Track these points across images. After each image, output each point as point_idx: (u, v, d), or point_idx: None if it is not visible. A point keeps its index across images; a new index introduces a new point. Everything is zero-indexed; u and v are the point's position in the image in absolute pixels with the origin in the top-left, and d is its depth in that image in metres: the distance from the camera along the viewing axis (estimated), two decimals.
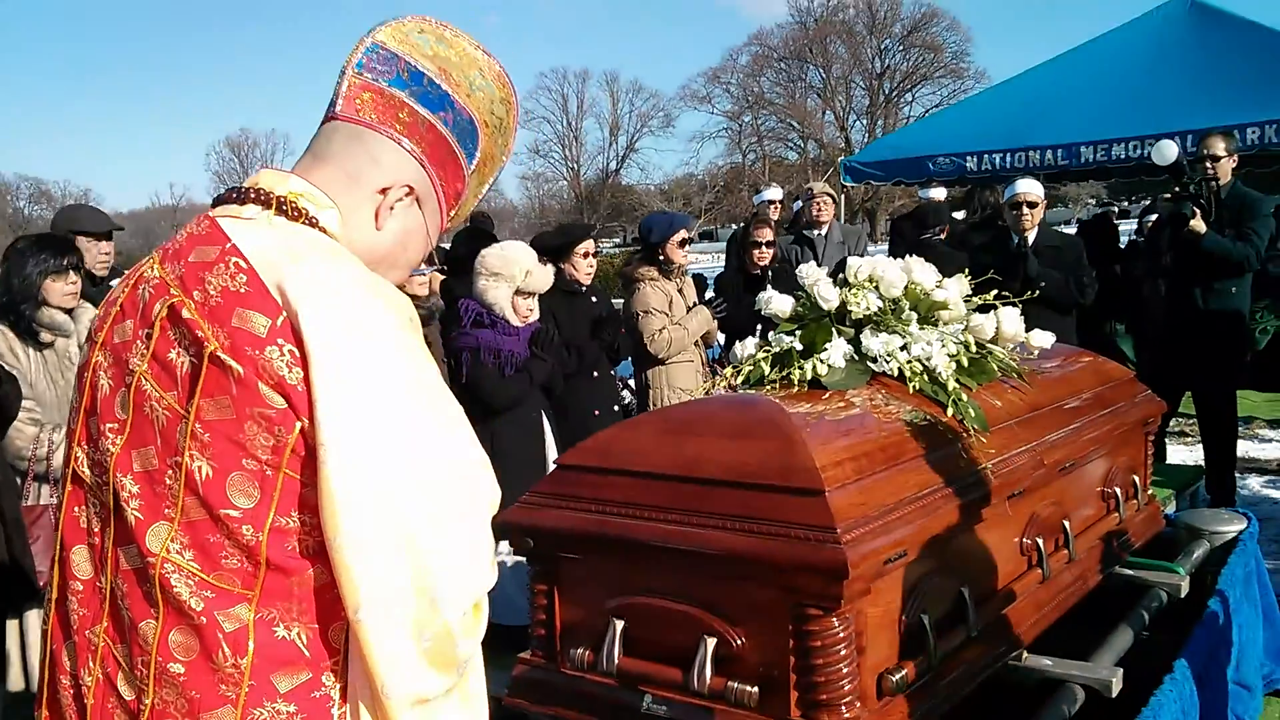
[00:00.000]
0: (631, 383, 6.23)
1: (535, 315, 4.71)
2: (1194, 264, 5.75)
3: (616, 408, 5.36)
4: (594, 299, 5.41)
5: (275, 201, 1.45)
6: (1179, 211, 5.68)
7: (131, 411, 1.39)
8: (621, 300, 5.89)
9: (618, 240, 46.18)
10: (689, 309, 5.73)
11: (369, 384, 1.31)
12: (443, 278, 5.34)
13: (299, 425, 1.30)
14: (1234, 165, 5.92)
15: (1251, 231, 5.69)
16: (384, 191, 1.52)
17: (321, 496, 1.28)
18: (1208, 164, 5.80)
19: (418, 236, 1.58)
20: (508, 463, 4.46)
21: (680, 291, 5.74)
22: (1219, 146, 5.82)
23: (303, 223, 1.45)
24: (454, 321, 4.66)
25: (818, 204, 7.68)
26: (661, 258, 5.68)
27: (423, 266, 4.63)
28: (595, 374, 5.24)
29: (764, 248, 6.49)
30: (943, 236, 7.42)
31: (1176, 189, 5.80)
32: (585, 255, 5.33)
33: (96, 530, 1.42)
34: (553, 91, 55.91)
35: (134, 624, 1.37)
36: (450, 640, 1.32)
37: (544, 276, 4.71)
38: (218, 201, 1.50)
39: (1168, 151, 5.65)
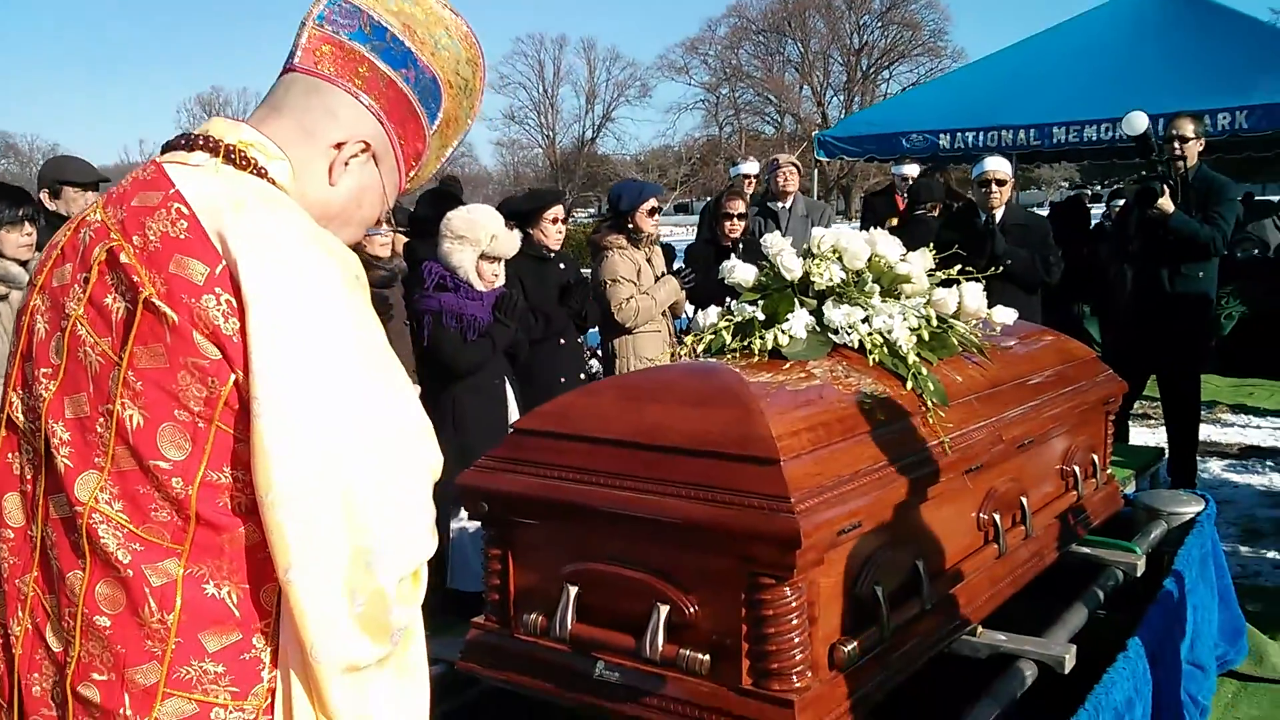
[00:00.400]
0: (600, 351, 6.21)
1: (500, 280, 4.67)
2: (1161, 247, 5.76)
3: (583, 375, 5.34)
4: (562, 265, 5.38)
5: (224, 149, 1.42)
6: (1147, 187, 5.68)
7: (65, 357, 1.36)
8: (590, 268, 5.86)
9: (592, 210, 45.99)
10: (657, 278, 5.71)
11: (306, 337, 1.28)
12: (406, 239, 5.28)
13: (233, 378, 1.27)
14: (1201, 149, 5.93)
15: (1218, 215, 5.70)
16: (339, 146, 1.48)
17: (254, 451, 1.26)
18: (1175, 145, 5.80)
19: (373, 194, 1.55)
20: (469, 428, 4.45)
21: (649, 261, 5.71)
22: (1187, 128, 5.82)
23: (251, 172, 1.41)
24: (417, 284, 4.61)
25: (782, 174, 7.65)
26: (630, 226, 5.64)
27: (384, 227, 4.57)
28: (562, 341, 5.21)
29: (735, 220, 6.48)
30: (935, 213, 7.44)
31: (1144, 170, 5.81)
32: (554, 221, 5.28)
33: (29, 478, 1.39)
34: (529, 57, 55.56)
35: (62, 574, 1.34)
36: (384, 605, 1.30)
37: (510, 241, 4.67)
38: (167, 148, 1.47)
39: (1137, 121, 5.63)
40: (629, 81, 54.87)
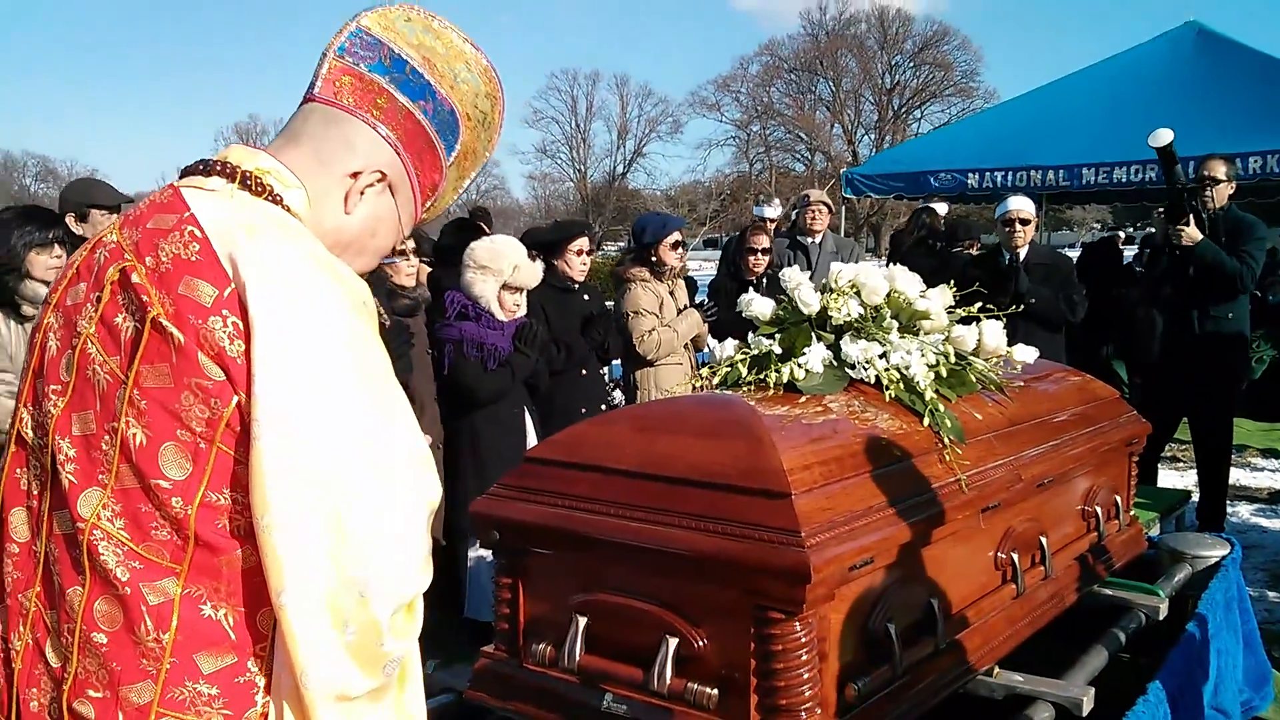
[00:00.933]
0: (623, 383, 6.20)
1: (522, 311, 4.69)
2: (1191, 287, 5.71)
3: (604, 407, 5.33)
4: (586, 297, 5.39)
5: (240, 176, 1.44)
6: (1175, 203, 5.60)
7: (75, 374, 1.37)
8: (614, 300, 5.87)
9: (622, 244, 46.15)
10: (680, 311, 5.71)
11: (309, 362, 1.28)
12: (429, 269, 5.31)
13: (236, 399, 1.28)
14: (1231, 192, 5.89)
15: (1246, 253, 5.63)
16: (355, 175, 1.50)
17: (251, 474, 1.26)
18: (1206, 186, 5.75)
19: (388, 224, 1.57)
20: (487, 457, 4.45)
21: (671, 294, 5.72)
22: (1219, 170, 5.78)
23: (266, 199, 1.43)
24: (439, 313, 4.63)
25: (812, 212, 7.66)
26: (654, 259, 5.65)
27: (410, 258, 4.59)
28: (584, 372, 5.22)
29: (759, 255, 6.48)
30: (973, 251, 7.42)
31: (1175, 192, 5.72)
32: (579, 253, 5.30)
33: (35, 493, 1.41)
34: (562, 92, 55.98)
35: (62, 590, 1.35)
36: (376, 635, 1.30)
37: (532, 272, 4.68)
38: (185, 173, 1.49)
39: (1162, 135, 5.54)
40: (661, 117, 55.22)
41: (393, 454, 1.32)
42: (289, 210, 1.45)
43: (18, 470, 1.44)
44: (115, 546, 1.31)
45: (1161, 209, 5.89)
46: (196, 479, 1.30)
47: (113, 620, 1.32)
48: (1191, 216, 5.62)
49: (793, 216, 8.51)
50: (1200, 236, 5.63)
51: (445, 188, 1.64)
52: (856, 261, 7.46)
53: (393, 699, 1.40)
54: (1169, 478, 7.67)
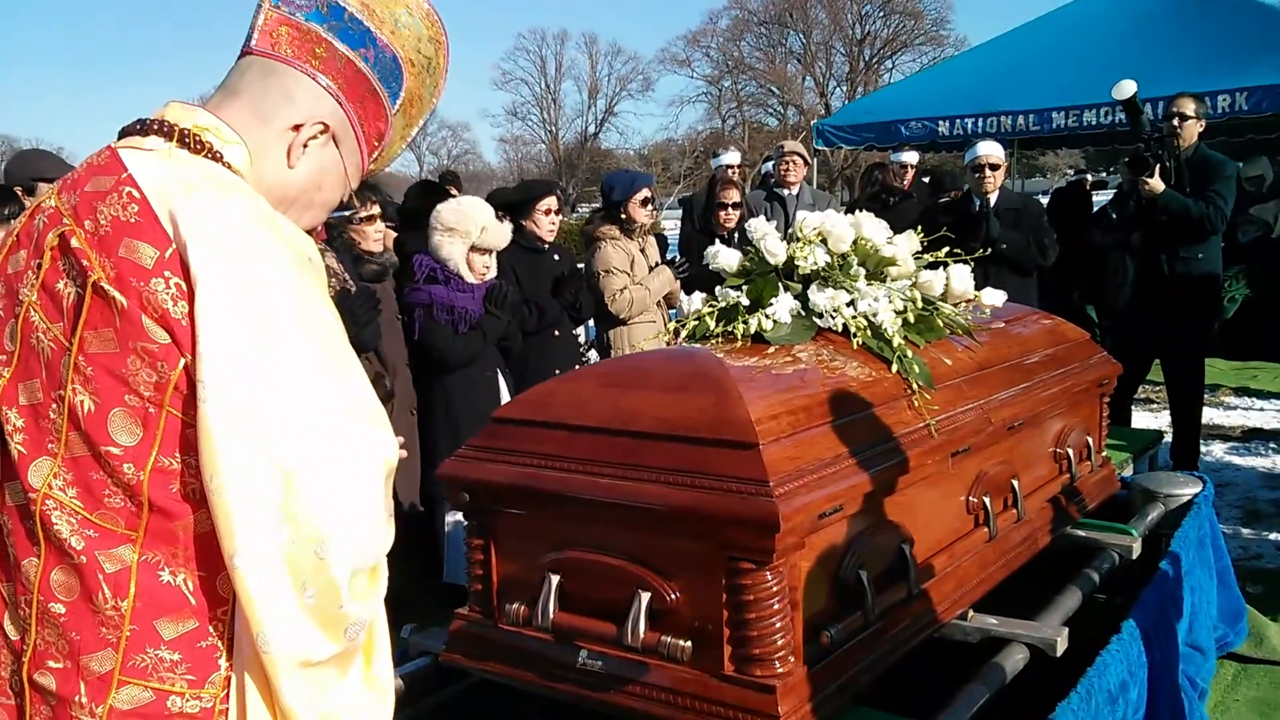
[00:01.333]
0: (596, 343, 6.18)
1: (492, 273, 4.64)
2: (1159, 230, 5.70)
3: (578, 367, 5.31)
4: (556, 257, 5.35)
5: (178, 134, 1.40)
6: (1139, 155, 5.60)
7: (19, 343, 1.35)
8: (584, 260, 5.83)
9: (595, 205, 45.86)
10: (651, 269, 5.68)
11: (252, 320, 1.26)
12: (394, 233, 5.25)
13: (182, 362, 1.26)
14: (1201, 130, 5.87)
15: (1214, 194, 5.60)
16: (297, 128, 1.47)
17: (200, 435, 1.24)
18: (1175, 123, 5.73)
19: (333, 176, 1.53)
20: (461, 421, 4.43)
21: (643, 251, 5.68)
22: (1188, 107, 5.75)
23: (205, 156, 1.40)
24: (407, 277, 4.59)
25: (787, 162, 7.61)
26: (624, 216, 5.61)
27: (378, 221, 4.54)
28: (556, 333, 5.19)
29: (730, 209, 6.45)
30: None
31: (1139, 144, 5.73)
32: (548, 212, 5.24)
33: None
34: (531, 53, 55.55)
35: (18, 562, 1.33)
36: (336, 597, 1.28)
37: (501, 233, 4.63)
38: (123, 133, 1.45)
39: (1126, 87, 5.58)
40: (631, 75, 54.86)
41: (344, 408, 1.30)
42: (230, 167, 1.41)
43: None
44: (69, 516, 1.30)
45: (1127, 159, 5.88)
46: (147, 444, 1.28)
47: (70, 590, 1.30)
48: (1157, 167, 5.60)
49: (762, 172, 8.46)
50: (1163, 188, 5.61)
51: (392, 136, 1.60)
52: None
53: (359, 671, 1.39)
54: (1142, 419, 7.72)
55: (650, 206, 5.75)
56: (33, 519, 1.31)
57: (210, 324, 1.24)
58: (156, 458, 1.28)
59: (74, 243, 1.31)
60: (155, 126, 1.41)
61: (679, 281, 5.77)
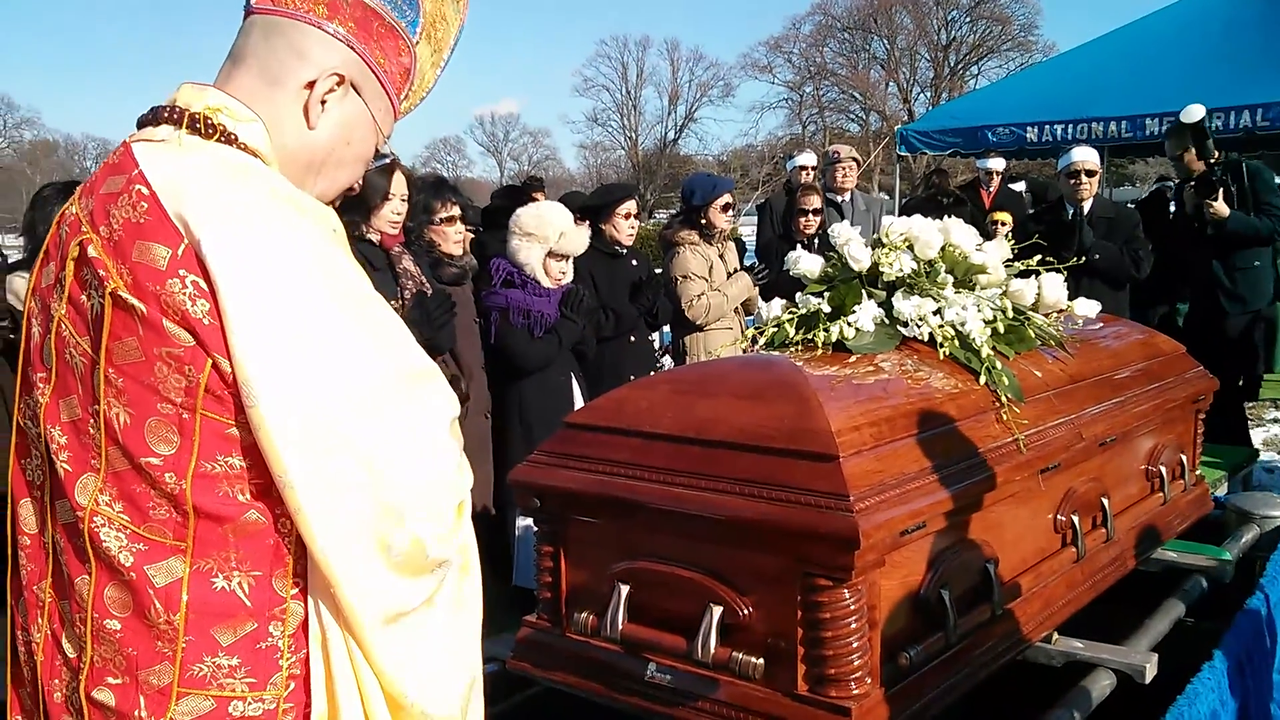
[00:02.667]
0: (672, 348, 6.14)
1: (569, 278, 4.62)
2: (1221, 247, 5.82)
3: (653, 373, 5.27)
4: (634, 262, 5.32)
5: (188, 119, 1.34)
6: (1207, 178, 5.71)
7: (55, 360, 1.32)
8: (662, 265, 5.79)
9: (674, 211, 45.81)
10: (730, 275, 5.62)
11: (286, 308, 1.22)
12: (474, 236, 5.26)
13: (209, 363, 1.22)
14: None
15: (1270, 205, 5.76)
16: (311, 85, 1.39)
17: (259, 437, 1.21)
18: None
19: (362, 127, 1.46)
20: (534, 425, 4.42)
21: (721, 257, 5.63)
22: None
23: (218, 139, 1.34)
24: (485, 280, 4.59)
25: (843, 168, 7.54)
26: (703, 221, 5.56)
27: (458, 223, 4.54)
28: (632, 338, 5.16)
29: (811, 215, 6.37)
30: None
31: (1203, 169, 5.77)
32: (627, 216, 5.22)
33: (39, 483, 1.37)
34: (612, 59, 55.65)
35: (70, 580, 1.31)
36: (420, 550, 1.27)
37: (579, 239, 4.61)
38: (140, 124, 1.40)
39: (1194, 111, 5.70)
40: (712, 81, 54.71)
41: (389, 374, 1.27)
42: (245, 147, 1.35)
43: (22, 460, 1.40)
44: (118, 531, 1.27)
45: (1193, 182, 5.91)
46: (186, 451, 1.24)
47: (124, 606, 1.28)
48: (1220, 190, 5.60)
49: (822, 174, 8.41)
50: (1228, 212, 5.70)
51: (421, 67, 1.52)
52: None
53: (452, 590, 1.37)
54: None
55: (730, 212, 5.70)
56: (82, 537, 1.29)
57: (242, 320, 1.20)
58: (197, 463, 1.25)
59: (91, 251, 1.27)
60: (166, 114, 1.36)
61: (757, 288, 5.70)
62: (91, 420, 1.28)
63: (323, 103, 1.40)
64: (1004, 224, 7.11)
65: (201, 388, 1.23)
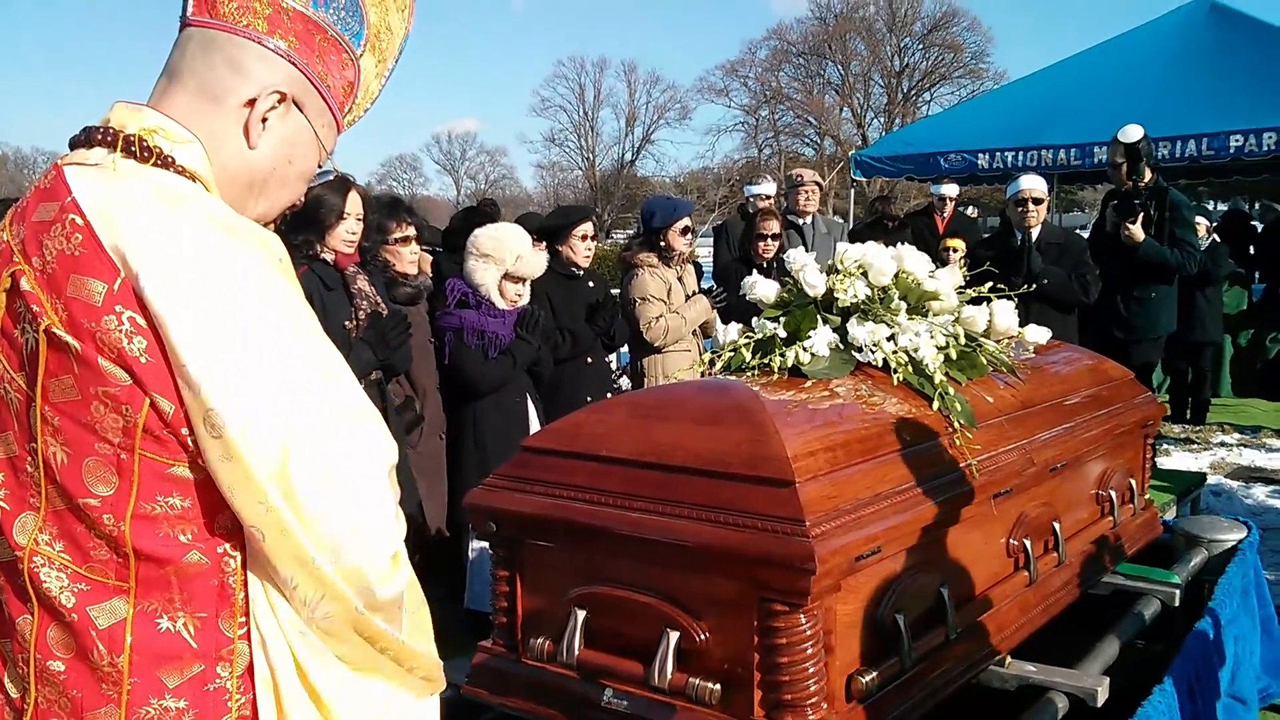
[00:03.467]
0: (630, 370, 6.13)
1: (524, 300, 4.61)
2: (1131, 271, 5.99)
3: (610, 395, 5.27)
4: (591, 283, 5.31)
5: (122, 141, 1.29)
6: (1129, 200, 5.93)
7: None
8: (620, 286, 5.80)
9: (631, 232, 45.85)
10: (688, 297, 5.63)
11: (238, 336, 1.18)
12: (431, 257, 5.24)
13: (147, 402, 1.18)
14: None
15: (1185, 242, 6.03)
16: (251, 104, 1.34)
17: (223, 468, 1.18)
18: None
19: (304, 145, 1.41)
20: (489, 447, 4.39)
21: (680, 280, 5.64)
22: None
23: (154, 163, 1.28)
24: (440, 300, 4.57)
25: (805, 191, 7.59)
26: (662, 244, 5.57)
27: (413, 244, 4.52)
28: (589, 360, 5.15)
29: (769, 240, 6.40)
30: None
31: (1126, 188, 5.94)
32: (584, 238, 5.22)
33: None
34: (570, 80, 55.71)
35: (11, 619, 1.27)
36: (360, 594, 1.26)
37: (536, 262, 4.61)
38: (72, 144, 1.34)
39: (1133, 132, 5.89)
40: (669, 104, 54.89)
41: (339, 409, 1.24)
42: (183, 171, 1.30)
43: None
44: (58, 571, 1.23)
45: (1115, 200, 6.18)
46: (124, 493, 1.21)
47: (67, 647, 1.24)
48: (1140, 215, 5.79)
49: (783, 197, 8.50)
50: (1143, 237, 5.96)
51: (365, 78, 1.47)
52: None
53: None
54: (1183, 459, 7.58)
55: (689, 235, 5.72)
56: (21, 576, 1.25)
57: (196, 355, 1.16)
58: (136, 504, 1.21)
59: (24, 284, 1.22)
60: (100, 135, 1.30)
61: (715, 311, 5.72)
62: (29, 459, 1.24)
63: (264, 121, 1.35)
64: (956, 250, 7.18)
65: (139, 428, 1.19)
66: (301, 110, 1.39)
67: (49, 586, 1.23)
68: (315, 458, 1.20)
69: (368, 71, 1.47)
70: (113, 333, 1.18)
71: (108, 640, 1.23)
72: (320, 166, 1.47)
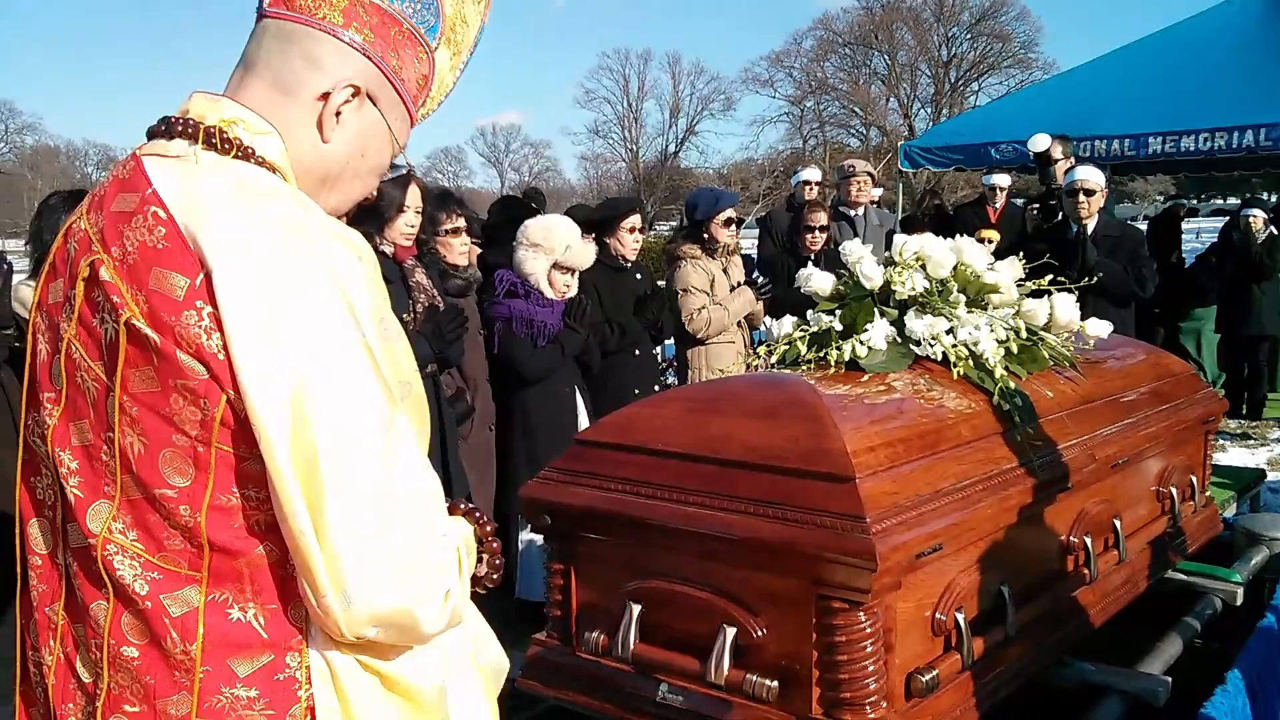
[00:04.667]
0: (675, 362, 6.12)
1: (573, 291, 4.61)
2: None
3: (657, 388, 5.26)
4: (638, 276, 5.30)
5: (204, 133, 1.28)
6: (1049, 204, 5.94)
7: (65, 382, 1.28)
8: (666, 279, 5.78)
9: (674, 223, 45.79)
10: (733, 289, 5.60)
11: (293, 351, 1.17)
12: (478, 249, 5.24)
13: (224, 397, 1.17)
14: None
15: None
16: (325, 97, 1.33)
17: (270, 479, 1.18)
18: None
19: (378, 139, 1.40)
20: (536, 436, 4.40)
21: (725, 271, 5.61)
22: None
23: (235, 155, 1.28)
24: (488, 291, 4.58)
25: (857, 182, 7.52)
26: (706, 236, 5.54)
27: (464, 237, 4.52)
28: (637, 352, 5.14)
29: (817, 232, 6.35)
30: None
31: (1044, 199, 5.98)
32: (631, 230, 5.21)
33: (50, 504, 1.33)
34: (614, 72, 55.77)
35: (85, 605, 1.28)
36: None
37: (585, 253, 4.60)
38: (150, 134, 1.34)
39: (1040, 141, 6.05)
40: (713, 95, 54.74)
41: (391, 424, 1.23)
42: (263, 162, 1.30)
43: (31, 479, 1.36)
44: (131, 560, 1.24)
45: (1037, 206, 6.32)
46: (201, 484, 1.21)
47: (141, 633, 1.25)
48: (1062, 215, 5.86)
49: (834, 188, 8.42)
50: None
51: (439, 71, 1.46)
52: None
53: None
54: (1240, 455, 7.46)
55: (732, 226, 5.68)
56: (96, 563, 1.25)
57: (247, 364, 1.16)
58: (212, 496, 1.21)
59: (104, 274, 1.22)
60: (180, 127, 1.30)
61: (761, 302, 5.69)
62: (105, 447, 1.24)
63: (337, 114, 1.35)
64: (991, 242, 7.11)
65: (217, 421, 1.19)
66: (375, 104, 1.38)
67: (122, 574, 1.24)
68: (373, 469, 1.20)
69: (442, 64, 1.46)
70: (192, 328, 1.17)
71: (181, 628, 1.23)
72: (393, 161, 1.46)
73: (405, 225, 3.91)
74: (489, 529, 1.50)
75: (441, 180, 51.99)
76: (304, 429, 1.16)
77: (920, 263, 2.48)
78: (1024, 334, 2.48)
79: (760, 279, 5.83)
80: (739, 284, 5.67)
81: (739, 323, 5.64)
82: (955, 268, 2.49)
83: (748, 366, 2.62)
